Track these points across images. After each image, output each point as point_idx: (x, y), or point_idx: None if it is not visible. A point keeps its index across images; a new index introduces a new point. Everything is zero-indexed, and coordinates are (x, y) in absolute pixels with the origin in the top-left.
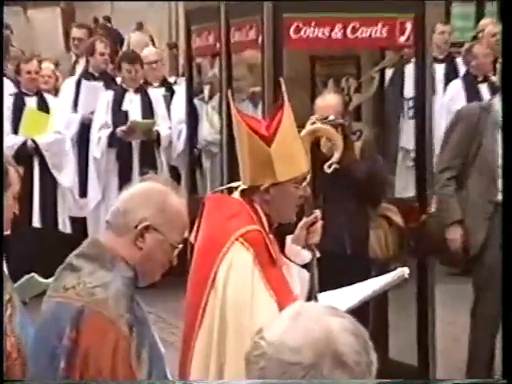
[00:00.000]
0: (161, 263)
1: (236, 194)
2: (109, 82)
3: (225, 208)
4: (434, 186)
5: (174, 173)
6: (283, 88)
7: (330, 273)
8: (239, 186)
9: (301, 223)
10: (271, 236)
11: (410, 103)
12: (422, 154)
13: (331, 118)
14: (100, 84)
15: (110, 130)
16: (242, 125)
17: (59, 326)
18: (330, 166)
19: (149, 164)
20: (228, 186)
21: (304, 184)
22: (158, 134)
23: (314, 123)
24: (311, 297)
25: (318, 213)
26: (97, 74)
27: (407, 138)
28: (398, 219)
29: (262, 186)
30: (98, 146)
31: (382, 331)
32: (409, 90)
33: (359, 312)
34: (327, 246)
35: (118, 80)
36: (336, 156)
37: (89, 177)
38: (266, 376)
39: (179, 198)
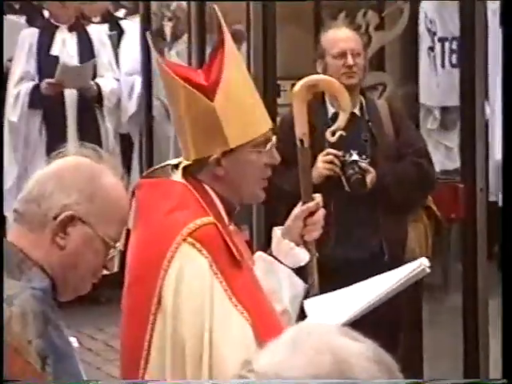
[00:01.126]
0: (90, 268)
1: (177, 175)
2: (34, 16)
3: (164, 197)
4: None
5: (124, 144)
6: (219, 16)
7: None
8: (180, 162)
9: (295, 211)
10: (233, 227)
11: (454, 45)
12: (469, 116)
13: (354, 157)
14: (22, 19)
15: (33, 82)
16: (169, 75)
17: None
18: (333, 134)
19: (88, 131)
20: (164, 163)
21: (268, 147)
22: (100, 89)
23: (331, 162)
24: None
25: (319, 198)
26: (17, 6)
27: (447, 93)
28: (436, 210)
29: (210, 158)
30: (14, 105)
31: (415, 354)
32: (450, 26)
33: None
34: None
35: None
36: (342, 119)
37: (5, 150)
38: None
39: (115, 178)
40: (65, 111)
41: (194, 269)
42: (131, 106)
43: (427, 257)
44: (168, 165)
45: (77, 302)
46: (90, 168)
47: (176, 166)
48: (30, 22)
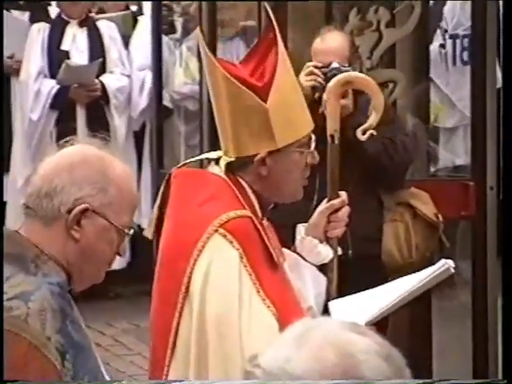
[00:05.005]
0: (105, 257)
1: (216, 168)
2: (38, 13)
3: (199, 187)
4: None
5: (136, 140)
6: (272, 18)
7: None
8: (219, 157)
9: (320, 207)
10: (266, 222)
11: (465, 42)
12: (480, 113)
13: (334, 65)
14: (25, 15)
15: (56, 84)
16: (220, 73)
17: None
18: (364, 132)
19: (100, 129)
20: (203, 156)
21: (311, 148)
22: (104, 87)
23: (310, 73)
24: (327, 309)
25: (344, 196)
26: (20, 2)
27: (457, 90)
28: (426, 209)
29: (255, 157)
30: (35, 103)
31: (425, 353)
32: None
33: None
34: None
35: (53, 11)
36: (374, 118)
37: (14, 147)
38: None
39: (124, 167)
40: (75, 110)
41: (224, 260)
42: (142, 101)
43: (410, 258)
44: (206, 158)
45: (85, 297)
46: (100, 159)
47: (214, 160)
48: (34, 19)
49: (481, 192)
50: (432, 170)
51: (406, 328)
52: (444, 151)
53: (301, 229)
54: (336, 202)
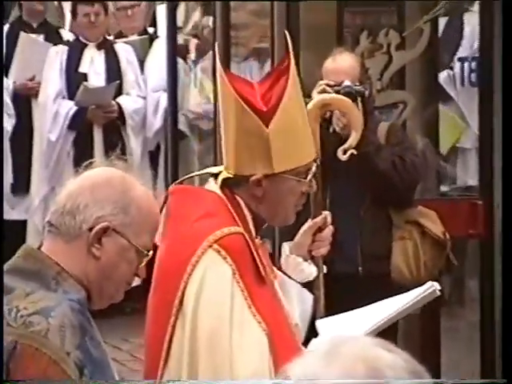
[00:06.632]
0: (124, 276)
1: (213, 185)
2: (52, 34)
3: (195, 204)
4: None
5: (151, 159)
6: (289, 42)
7: (336, 298)
8: (219, 172)
9: (304, 227)
10: (258, 241)
11: (473, 65)
12: (488, 131)
13: (346, 83)
14: (40, 38)
15: (74, 106)
16: (230, 92)
17: None
18: (345, 152)
19: (114, 150)
20: (204, 171)
21: (309, 177)
22: (120, 108)
23: (323, 91)
24: (314, 326)
25: (327, 215)
26: (35, 24)
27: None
28: (434, 227)
29: (252, 177)
30: (53, 123)
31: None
32: (468, 46)
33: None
34: (331, 263)
35: (65, 34)
36: (354, 137)
37: (34, 167)
38: None
39: (146, 189)
40: (92, 131)
41: (217, 275)
42: (157, 121)
43: (419, 275)
44: (207, 173)
45: (102, 312)
46: (122, 180)
47: (215, 175)
48: (48, 41)
49: (488, 211)
50: (446, 189)
51: (417, 345)
52: (460, 171)
53: (286, 247)
54: (318, 219)
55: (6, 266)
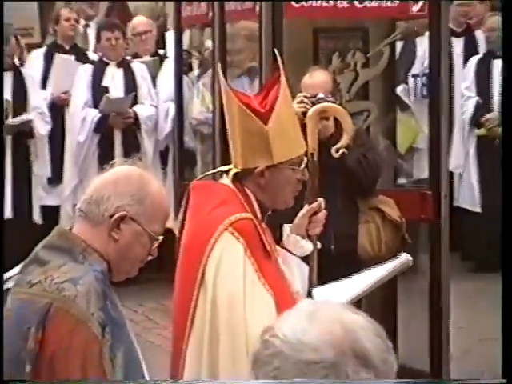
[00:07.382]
0: (138, 256)
1: (226, 180)
2: (81, 55)
3: (212, 195)
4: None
5: (161, 158)
6: (279, 59)
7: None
8: (230, 169)
9: (303, 211)
10: (264, 225)
11: (424, 80)
12: (437, 135)
13: (320, 95)
14: (71, 58)
15: (98, 113)
16: (233, 100)
17: (23, 327)
18: (337, 150)
19: (133, 149)
20: (217, 170)
21: (302, 166)
22: (136, 115)
23: (301, 102)
24: (310, 292)
25: (321, 201)
26: (67, 47)
27: (419, 117)
28: (392, 213)
29: (256, 169)
30: (82, 127)
31: (391, 334)
32: (421, 65)
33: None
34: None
35: (91, 55)
36: (345, 139)
37: (66, 162)
38: (281, 376)
39: (159, 184)
40: (113, 134)
41: (232, 252)
42: (167, 126)
43: (380, 252)
44: (219, 171)
45: (120, 281)
46: (140, 176)
47: (226, 172)
48: (78, 61)
49: (437, 199)
50: (403, 181)
51: (378, 307)
52: (415, 167)
53: (286, 228)
54: (314, 205)
55: (43, 243)
